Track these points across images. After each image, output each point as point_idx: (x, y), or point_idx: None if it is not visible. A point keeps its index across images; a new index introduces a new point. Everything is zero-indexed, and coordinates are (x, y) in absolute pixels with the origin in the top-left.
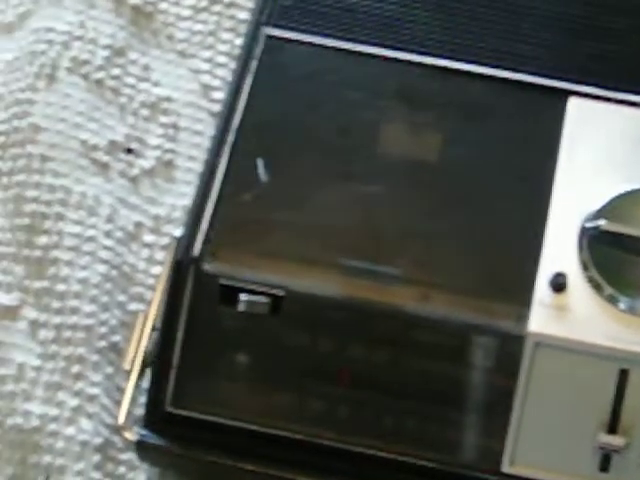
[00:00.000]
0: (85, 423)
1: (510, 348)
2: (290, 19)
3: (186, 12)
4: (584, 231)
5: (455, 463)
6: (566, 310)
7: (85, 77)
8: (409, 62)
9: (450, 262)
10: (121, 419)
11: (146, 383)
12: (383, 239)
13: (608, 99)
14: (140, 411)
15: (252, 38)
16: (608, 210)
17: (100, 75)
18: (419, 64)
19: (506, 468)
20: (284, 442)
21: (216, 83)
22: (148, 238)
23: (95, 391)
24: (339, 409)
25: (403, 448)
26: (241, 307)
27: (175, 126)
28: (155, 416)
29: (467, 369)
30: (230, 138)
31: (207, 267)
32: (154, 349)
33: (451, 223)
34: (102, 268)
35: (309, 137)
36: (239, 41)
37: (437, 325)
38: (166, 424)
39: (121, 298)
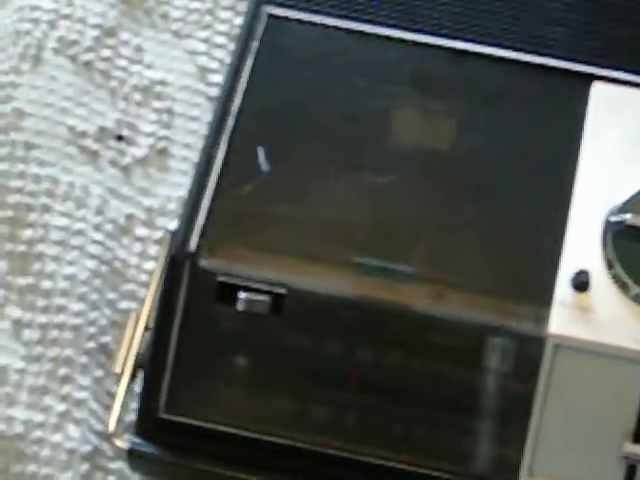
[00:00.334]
0: (72, 430)
1: (529, 351)
2: None
3: None
4: (608, 226)
5: (469, 474)
6: (589, 311)
7: (73, 59)
8: (424, 44)
9: (465, 259)
10: (111, 426)
11: (138, 387)
12: (394, 234)
13: (633, 84)
14: (132, 417)
15: (252, 17)
16: (634, 203)
17: (89, 57)
18: (434, 46)
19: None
20: (286, 451)
21: (214, 65)
22: (140, 232)
23: (83, 395)
24: (345, 416)
25: (413, 458)
26: (240, 306)
27: (169, 111)
28: (148, 422)
29: (483, 373)
30: (229, 125)
31: (204, 263)
32: (147, 351)
33: (467, 217)
34: (91, 264)
35: (314, 124)
36: (238, 20)
37: (451, 326)
38: (159, 431)
39: (111, 296)
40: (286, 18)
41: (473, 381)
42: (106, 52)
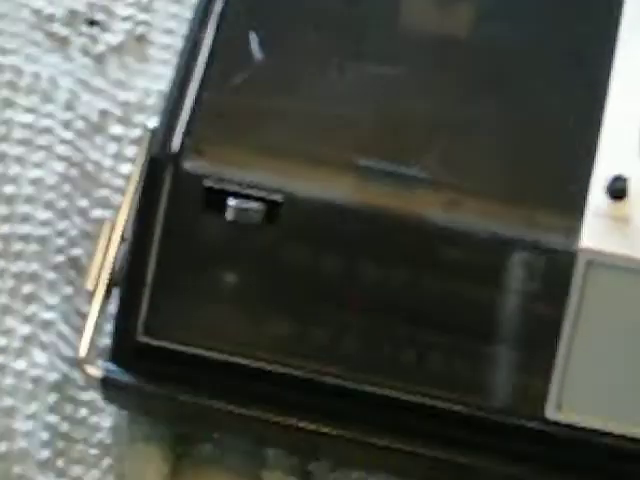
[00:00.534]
0: (38, 355)
1: (558, 268)
2: None
3: None
4: None
5: (489, 407)
6: (626, 221)
7: None
8: None
9: (485, 161)
10: (82, 351)
11: (113, 307)
12: (403, 133)
13: None
14: (105, 341)
15: None
16: None
17: None
18: None
19: (551, 413)
20: (280, 379)
21: None
22: (115, 130)
23: (51, 316)
24: (347, 340)
25: (425, 388)
26: (230, 215)
27: None
28: (124, 347)
29: (504, 293)
30: (217, 7)
31: (189, 165)
32: (123, 265)
33: (487, 114)
34: (60, 166)
35: (313, 6)
36: None
37: (468, 239)
38: (137, 357)
39: (82, 203)
40: None
41: (493, 302)
42: None
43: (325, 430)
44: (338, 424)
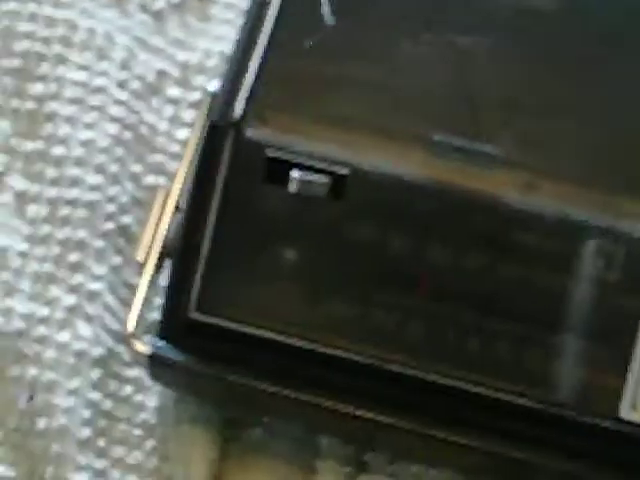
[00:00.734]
0: (83, 328)
1: (638, 257)
2: None
3: None
4: None
5: (558, 402)
6: None
7: None
8: None
9: (567, 141)
10: (130, 325)
11: (164, 280)
12: (481, 108)
13: None
14: (155, 316)
15: None
16: None
17: None
18: None
19: (625, 413)
20: (337, 363)
21: None
22: (173, 92)
23: (97, 287)
24: (411, 325)
25: (491, 380)
26: (292, 187)
27: None
28: (174, 323)
29: (580, 282)
30: None
31: (251, 133)
32: (176, 236)
33: (570, 90)
34: (112, 128)
35: None
36: None
37: (544, 223)
38: (188, 334)
39: (135, 168)
40: None
41: (567, 290)
42: None
43: (382, 419)
44: (396, 413)
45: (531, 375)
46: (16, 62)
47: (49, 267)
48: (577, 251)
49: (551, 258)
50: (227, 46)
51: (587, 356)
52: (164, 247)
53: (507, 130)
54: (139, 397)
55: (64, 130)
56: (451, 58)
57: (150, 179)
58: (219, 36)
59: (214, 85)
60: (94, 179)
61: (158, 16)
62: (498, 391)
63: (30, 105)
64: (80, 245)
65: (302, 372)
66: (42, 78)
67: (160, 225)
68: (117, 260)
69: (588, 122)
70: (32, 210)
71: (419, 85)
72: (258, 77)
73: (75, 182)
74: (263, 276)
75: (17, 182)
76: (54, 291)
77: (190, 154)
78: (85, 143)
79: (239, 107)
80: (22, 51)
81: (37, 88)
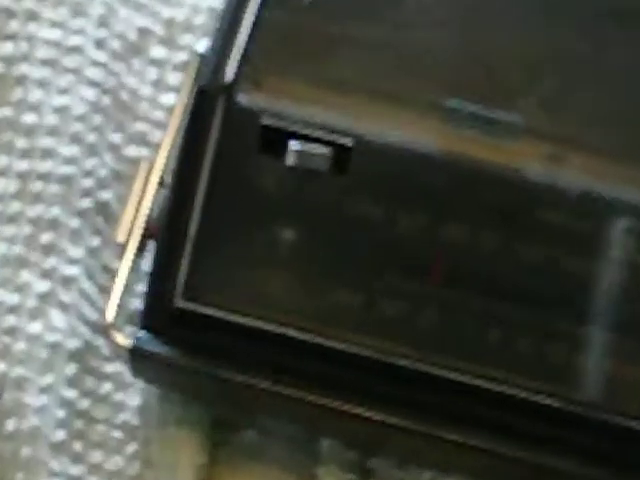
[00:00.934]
0: (57, 318)
1: None
2: None
3: None
4: None
5: (583, 402)
6: None
7: None
8: None
9: (595, 109)
10: (109, 315)
11: (147, 264)
12: (499, 71)
13: None
14: (137, 304)
15: None
16: None
17: None
18: None
19: None
20: (340, 358)
21: None
22: (157, 52)
23: (73, 272)
24: (423, 315)
25: (511, 376)
26: (290, 160)
27: None
28: (158, 312)
29: (611, 265)
30: None
31: (244, 99)
32: (161, 215)
33: (599, 50)
34: (89, 93)
35: None
36: None
37: (570, 200)
38: (173, 324)
39: (115, 138)
40: None
41: (596, 275)
42: None
43: (390, 420)
44: (405, 413)
45: (554, 371)
46: None
47: (19, 249)
48: (606, 231)
49: (577, 239)
50: (217, 1)
51: (616, 349)
52: (147, 227)
53: (529, 96)
54: (119, 395)
55: (35, 95)
56: (466, 13)
57: (131, 150)
58: None
59: (203, 45)
60: (69, 150)
61: None
62: (518, 389)
63: None
64: (53, 224)
65: (301, 367)
66: (11, 37)
67: (143, 202)
68: (95, 241)
69: (619, 87)
70: (0, 185)
71: (430, 45)
72: (252, 36)
73: (48, 154)
74: (257, 260)
75: None
76: (24, 276)
77: (176, 122)
78: (59, 110)
79: (230, 70)
80: None
81: (5, 48)
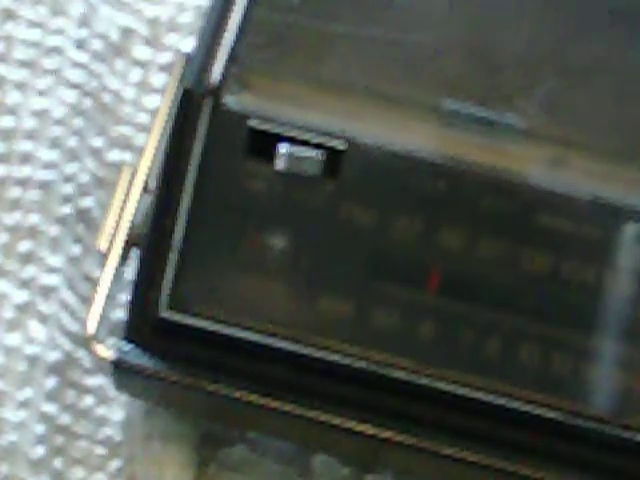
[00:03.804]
0: (36, 329)
1: None
2: None
3: None
4: None
5: (590, 416)
6: None
7: None
8: None
9: (600, 111)
10: (91, 326)
11: (131, 273)
12: (499, 70)
13: None
14: (120, 315)
15: None
16: None
17: None
18: None
19: None
20: (333, 370)
21: None
22: (141, 52)
23: (53, 281)
24: (420, 325)
25: (511, 389)
26: (280, 164)
27: None
28: (142, 323)
29: (617, 274)
30: None
31: (231, 101)
32: (145, 221)
33: (604, 53)
34: (70, 95)
35: None
36: None
37: (574, 205)
38: (158, 336)
39: (97, 142)
40: None
41: (602, 283)
42: None
43: (386, 435)
44: (402, 428)
45: (560, 384)
46: None
47: None
48: (612, 237)
49: (582, 246)
50: None
51: (625, 361)
52: (130, 234)
53: (530, 97)
54: (101, 410)
55: (13, 98)
56: (465, 12)
57: (114, 155)
58: None
59: (188, 45)
60: (48, 155)
61: None
62: (519, 402)
63: None
64: (32, 232)
65: (290, 380)
66: None
67: (125, 209)
68: (76, 250)
69: (621, 88)
70: None
71: (427, 43)
72: (239, 36)
73: (26, 159)
74: (245, 268)
75: None
76: (2, 286)
77: (160, 126)
78: (38, 113)
79: (217, 71)
80: None
81: None
